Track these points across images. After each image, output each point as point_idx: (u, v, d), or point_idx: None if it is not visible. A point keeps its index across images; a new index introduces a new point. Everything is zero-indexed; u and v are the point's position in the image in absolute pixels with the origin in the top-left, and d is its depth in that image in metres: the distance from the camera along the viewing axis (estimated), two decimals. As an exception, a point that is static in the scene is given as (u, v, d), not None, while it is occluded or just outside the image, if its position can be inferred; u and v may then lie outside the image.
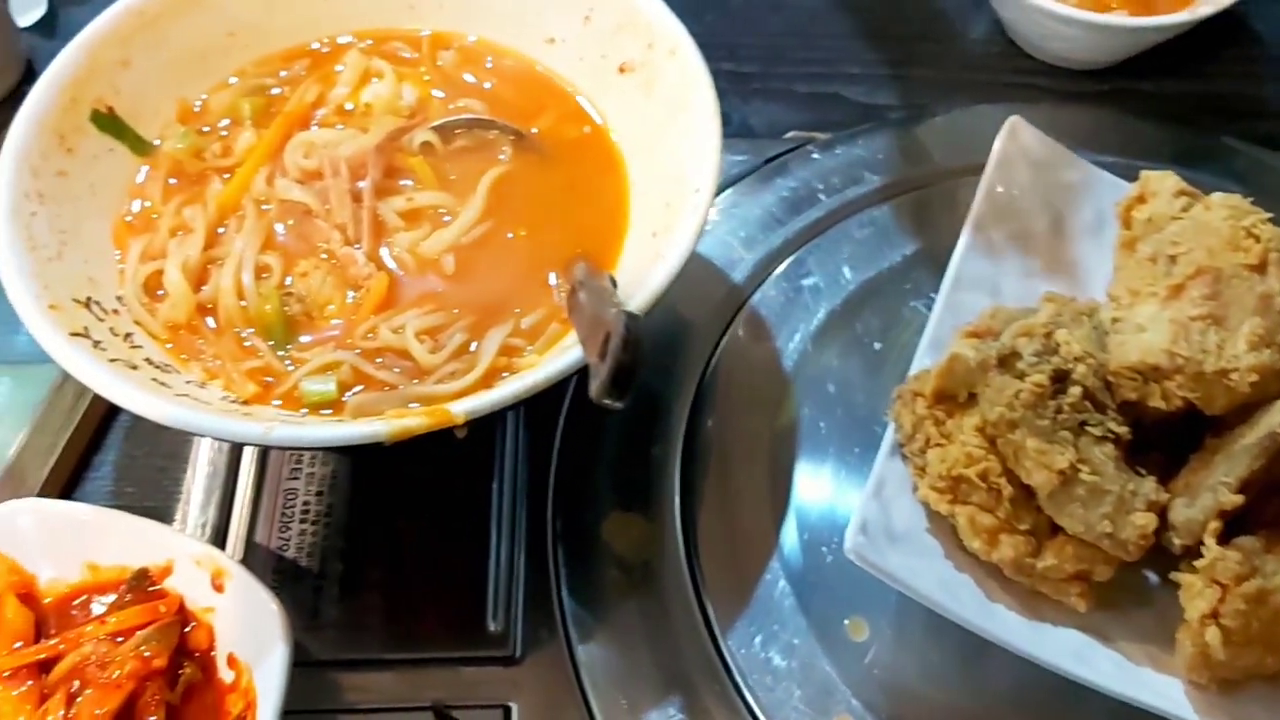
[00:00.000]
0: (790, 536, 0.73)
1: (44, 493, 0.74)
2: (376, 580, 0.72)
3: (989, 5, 1.00)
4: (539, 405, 0.77)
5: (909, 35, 1.01)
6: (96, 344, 0.64)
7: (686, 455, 0.76)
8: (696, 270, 0.84)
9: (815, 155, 0.91)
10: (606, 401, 0.50)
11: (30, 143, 0.70)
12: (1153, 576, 0.67)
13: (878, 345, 0.80)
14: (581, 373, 0.61)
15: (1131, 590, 0.66)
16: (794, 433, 0.77)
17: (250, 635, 0.65)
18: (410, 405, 0.65)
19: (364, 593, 0.72)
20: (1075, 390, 0.63)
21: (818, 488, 0.75)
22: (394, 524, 0.74)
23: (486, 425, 0.76)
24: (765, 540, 0.72)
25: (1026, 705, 0.67)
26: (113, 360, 0.63)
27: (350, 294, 0.71)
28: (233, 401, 0.66)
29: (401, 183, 0.75)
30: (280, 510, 0.74)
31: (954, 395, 0.67)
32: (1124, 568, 0.65)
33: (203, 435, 0.61)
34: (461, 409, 0.60)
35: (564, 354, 0.63)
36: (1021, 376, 0.63)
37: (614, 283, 0.63)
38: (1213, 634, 0.58)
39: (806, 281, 0.83)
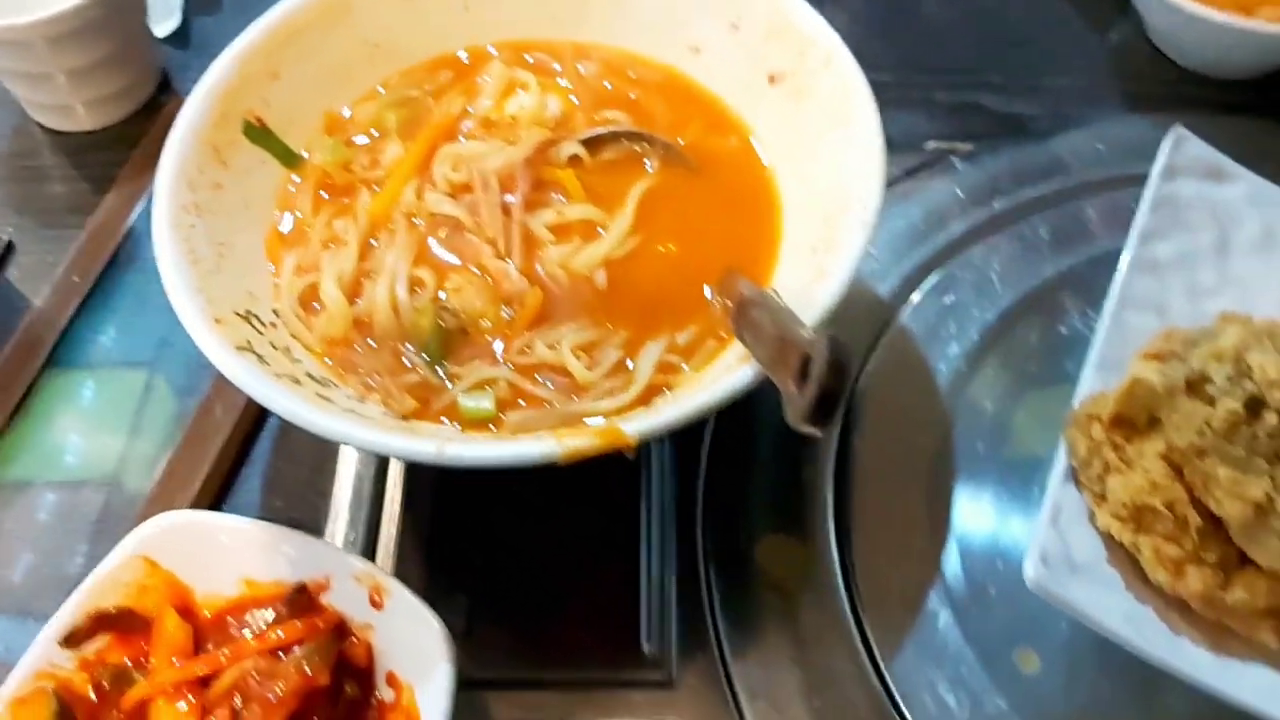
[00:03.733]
0: (952, 563, 0.70)
1: (195, 505, 0.75)
2: (527, 599, 0.71)
3: (1132, 10, 0.97)
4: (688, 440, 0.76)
5: (1049, 42, 0.98)
6: (261, 358, 0.64)
7: (839, 478, 0.74)
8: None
9: (959, 166, 0.88)
10: (807, 429, 0.49)
11: (187, 156, 0.70)
12: (1346, 612, 0.64)
13: (1035, 365, 0.78)
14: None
15: (1322, 627, 0.63)
16: (951, 454, 0.74)
17: (411, 654, 0.64)
18: (574, 423, 0.64)
19: (515, 612, 0.71)
20: (1271, 418, 0.60)
21: (978, 512, 0.72)
22: (545, 545, 0.73)
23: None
24: (926, 567, 0.70)
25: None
26: (278, 375, 0.63)
27: (504, 308, 0.70)
28: (392, 418, 0.65)
29: (550, 196, 0.74)
30: (429, 527, 0.73)
31: (1134, 420, 0.64)
32: (1314, 602, 0.62)
33: (374, 452, 0.61)
34: (635, 430, 0.59)
35: (733, 373, 0.61)
36: (1213, 402, 0.61)
37: (779, 297, 0.62)
38: None
39: (956, 297, 0.81)
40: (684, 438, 0.76)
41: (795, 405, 0.49)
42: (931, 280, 0.82)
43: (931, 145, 0.91)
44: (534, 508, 0.74)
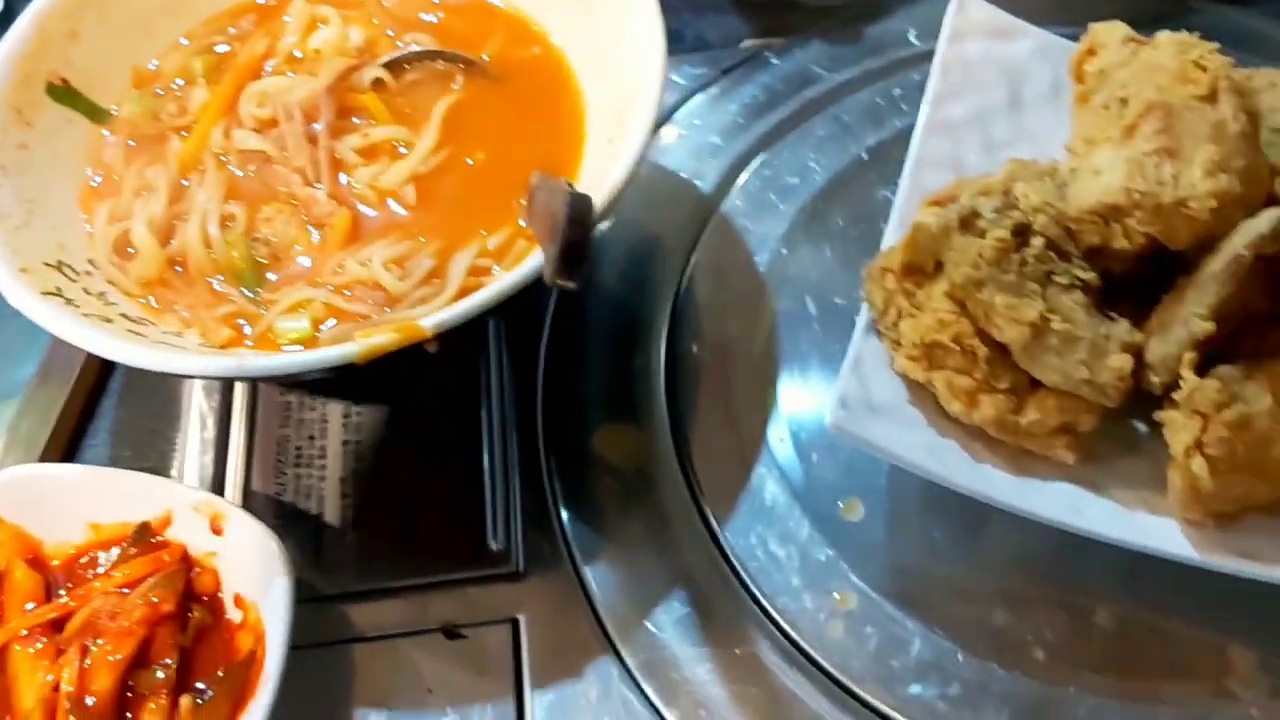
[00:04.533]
0: (779, 431, 0.73)
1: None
2: (376, 514, 0.73)
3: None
4: (520, 328, 0.79)
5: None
6: (69, 301, 0.65)
7: (670, 363, 0.77)
8: (664, 184, 0.85)
9: (773, 61, 0.91)
10: (560, 282, 0.51)
11: (-12, 120, 0.71)
12: (1141, 425, 0.67)
13: (851, 235, 0.80)
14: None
15: (1120, 440, 0.66)
16: (774, 331, 0.77)
17: (253, 573, 0.65)
18: (384, 330, 0.66)
19: (365, 527, 0.72)
20: (1038, 241, 0.63)
21: (802, 382, 0.75)
22: (388, 459, 0.75)
23: (470, 352, 0.77)
24: (754, 438, 0.73)
25: (1026, 567, 0.68)
26: (87, 315, 0.64)
27: (315, 233, 0.71)
28: (208, 347, 0.67)
29: (356, 121, 0.76)
30: (275, 458, 0.75)
31: (922, 266, 0.67)
32: (1110, 418, 0.65)
33: (182, 375, 0.62)
34: (430, 322, 0.60)
35: (528, 262, 0.63)
36: (983, 235, 0.63)
37: (571, 186, 0.64)
38: (1199, 464, 0.58)
39: (774, 184, 0.84)
40: (521, 344, 0.78)
41: (548, 262, 0.51)
42: (749, 171, 0.84)
43: (746, 44, 0.93)
44: (381, 431, 0.76)
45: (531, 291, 0.70)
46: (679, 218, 0.83)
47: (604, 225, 0.82)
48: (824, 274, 0.79)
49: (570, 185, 0.58)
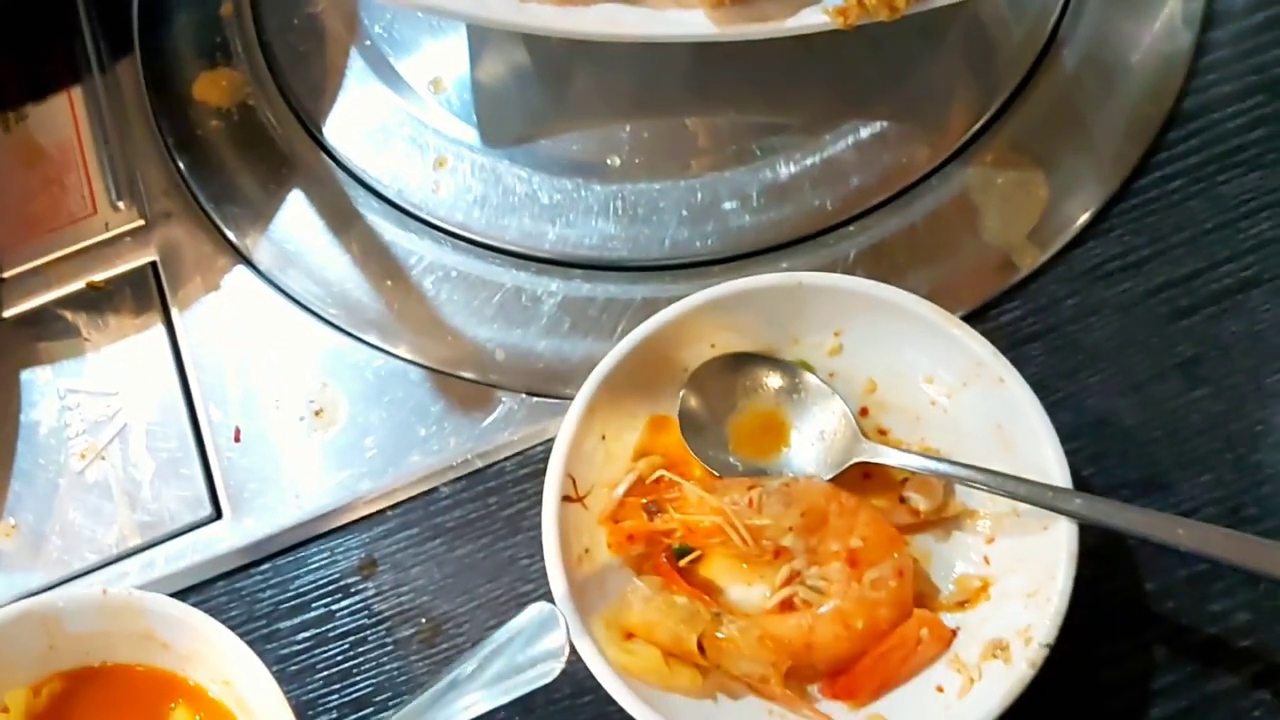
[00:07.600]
0: (364, 31, 0.77)
1: None
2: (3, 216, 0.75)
3: None
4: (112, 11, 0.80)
5: None
6: None
7: (255, 3, 0.79)
8: None
9: None
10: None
11: None
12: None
13: None
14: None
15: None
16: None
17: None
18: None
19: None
20: None
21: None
22: (-2, 162, 0.77)
23: (62, 30, 0.79)
24: (344, 44, 0.77)
25: (605, 103, 0.74)
26: None
27: None
28: None
29: None
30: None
31: None
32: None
33: None
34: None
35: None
36: None
37: None
38: (689, -67, 0.64)
39: None
40: (114, 22, 0.80)
41: None
42: None
43: None
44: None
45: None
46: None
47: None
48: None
49: None
